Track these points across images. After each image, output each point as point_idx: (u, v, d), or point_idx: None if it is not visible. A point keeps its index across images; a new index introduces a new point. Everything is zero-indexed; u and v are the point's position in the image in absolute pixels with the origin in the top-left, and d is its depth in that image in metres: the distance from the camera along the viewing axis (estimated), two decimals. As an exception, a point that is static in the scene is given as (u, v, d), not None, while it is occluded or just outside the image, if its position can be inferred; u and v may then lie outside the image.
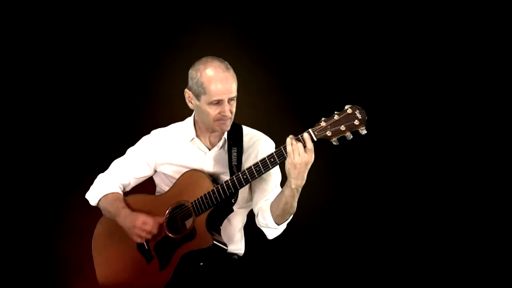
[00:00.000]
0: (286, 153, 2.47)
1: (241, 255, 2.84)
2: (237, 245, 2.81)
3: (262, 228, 2.73)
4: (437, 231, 3.85)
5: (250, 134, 2.80)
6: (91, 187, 2.86)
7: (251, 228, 2.88)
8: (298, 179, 2.47)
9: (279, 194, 2.61)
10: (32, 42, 3.90)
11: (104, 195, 2.80)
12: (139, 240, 2.67)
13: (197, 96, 2.66)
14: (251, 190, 2.77)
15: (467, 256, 3.81)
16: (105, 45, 3.95)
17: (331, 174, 3.87)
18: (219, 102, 2.62)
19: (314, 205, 3.77)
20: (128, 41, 3.96)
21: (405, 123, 3.85)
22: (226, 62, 2.69)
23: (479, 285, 3.78)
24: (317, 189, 3.51)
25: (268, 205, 2.66)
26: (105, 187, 2.82)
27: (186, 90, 2.70)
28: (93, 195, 2.84)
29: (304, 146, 2.45)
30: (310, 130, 2.48)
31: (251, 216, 2.86)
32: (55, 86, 3.94)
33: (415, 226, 3.87)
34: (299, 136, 2.47)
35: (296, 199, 2.55)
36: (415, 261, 3.85)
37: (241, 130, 2.80)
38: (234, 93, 2.64)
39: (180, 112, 2.92)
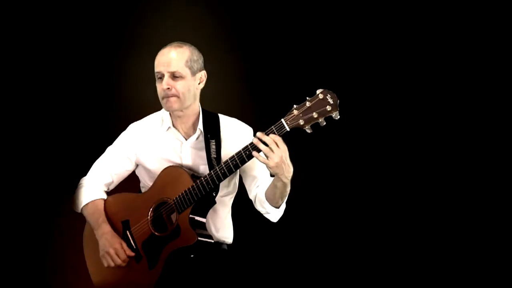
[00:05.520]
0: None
1: (230, 243, 2.83)
2: (224, 233, 2.81)
3: (265, 215, 2.72)
4: (432, 227, 3.80)
5: (227, 124, 2.78)
6: (74, 194, 2.82)
7: (238, 217, 2.89)
8: (285, 172, 2.44)
9: (271, 185, 2.59)
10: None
11: (85, 205, 2.77)
12: (105, 264, 2.66)
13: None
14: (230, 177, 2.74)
15: (465, 254, 3.76)
16: (71, 43, 3.86)
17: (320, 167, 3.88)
18: (161, 78, 2.63)
19: (305, 194, 3.79)
20: (91, 36, 3.88)
21: (397, 117, 3.80)
22: (187, 44, 2.68)
23: (479, 285, 3.74)
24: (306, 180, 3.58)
25: (263, 193, 2.65)
26: (86, 193, 2.79)
27: None
28: (75, 204, 2.81)
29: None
30: (282, 119, 2.45)
31: (238, 205, 2.86)
32: (24, 91, 3.85)
33: (408, 222, 3.82)
34: (266, 131, 2.43)
35: (289, 184, 2.53)
36: (407, 257, 3.82)
37: (217, 120, 2.77)
38: (174, 68, 2.62)
39: (153, 103, 2.88)
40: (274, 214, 2.69)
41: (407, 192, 3.81)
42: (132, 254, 2.66)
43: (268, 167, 2.44)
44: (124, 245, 2.66)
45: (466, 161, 3.74)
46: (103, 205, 2.77)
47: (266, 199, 2.63)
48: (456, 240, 3.76)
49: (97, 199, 2.78)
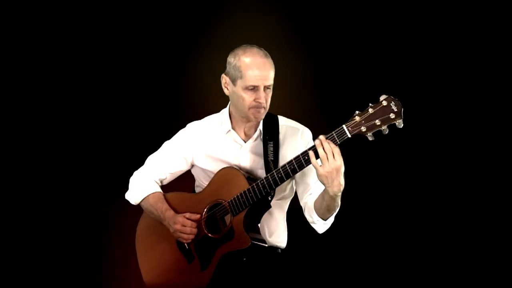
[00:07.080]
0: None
1: (283, 247, 2.79)
2: (279, 238, 2.76)
3: (311, 224, 2.68)
4: (441, 230, 3.77)
5: (286, 126, 2.73)
6: (130, 187, 2.84)
7: (293, 222, 2.83)
8: (333, 187, 2.39)
9: (320, 196, 2.55)
10: (57, 41, 3.90)
11: (146, 197, 2.79)
12: (184, 241, 2.68)
13: (234, 81, 2.62)
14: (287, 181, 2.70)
15: (468, 256, 3.73)
16: (138, 39, 3.91)
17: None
18: (254, 88, 2.58)
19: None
20: (161, 36, 3.91)
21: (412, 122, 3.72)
22: (265, 51, 2.64)
23: (479, 285, 3.70)
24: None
25: (312, 202, 2.61)
26: (145, 186, 2.80)
27: (223, 75, 2.68)
28: (134, 196, 2.82)
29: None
30: (344, 125, 2.38)
31: (292, 210, 2.81)
32: (92, 86, 3.93)
33: (423, 226, 3.79)
34: (327, 136, 2.38)
35: (339, 200, 2.48)
36: (424, 261, 3.80)
37: (277, 121, 2.73)
38: (270, 81, 2.60)
39: (215, 104, 2.88)
40: (320, 225, 2.65)
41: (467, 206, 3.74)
42: (197, 216, 2.66)
43: (317, 173, 2.39)
44: (187, 214, 2.67)
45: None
46: (163, 196, 2.78)
47: (314, 209, 2.60)
48: (467, 241, 3.72)
49: (156, 191, 2.79)
